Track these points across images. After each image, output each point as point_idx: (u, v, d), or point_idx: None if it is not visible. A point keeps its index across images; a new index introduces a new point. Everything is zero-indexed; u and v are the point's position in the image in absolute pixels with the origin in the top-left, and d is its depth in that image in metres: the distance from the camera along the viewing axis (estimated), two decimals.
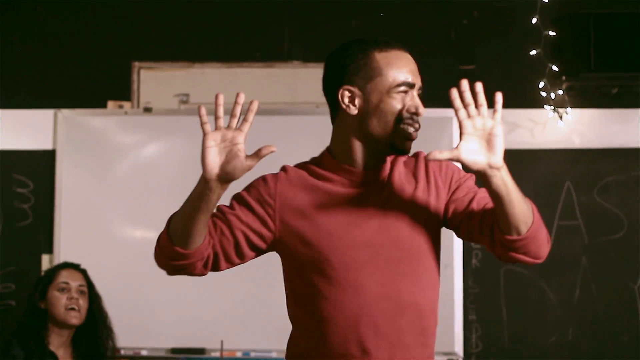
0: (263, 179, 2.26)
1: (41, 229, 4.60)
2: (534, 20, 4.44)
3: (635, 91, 4.60)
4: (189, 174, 4.47)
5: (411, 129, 2.18)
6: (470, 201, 2.20)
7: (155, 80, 4.71)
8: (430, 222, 2.22)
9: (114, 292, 4.29)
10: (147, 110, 4.63)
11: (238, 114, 2.07)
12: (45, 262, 4.53)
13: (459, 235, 2.25)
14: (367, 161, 2.23)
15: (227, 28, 4.73)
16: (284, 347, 2.30)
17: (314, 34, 4.70)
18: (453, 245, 4.47)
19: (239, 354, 4.43)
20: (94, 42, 4.73)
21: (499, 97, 2.02)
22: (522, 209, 2.05)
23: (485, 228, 2.15)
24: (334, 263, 2.17)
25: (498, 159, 2.01)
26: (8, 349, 3.70)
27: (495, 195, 2.04)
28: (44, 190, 4.62)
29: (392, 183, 2.23)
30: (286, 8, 4.69)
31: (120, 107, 4.67)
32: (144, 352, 4.43)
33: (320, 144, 2.43)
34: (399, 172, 2.25)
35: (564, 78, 4.51)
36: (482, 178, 2.04)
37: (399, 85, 2.18)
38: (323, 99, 2.28)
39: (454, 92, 2.01)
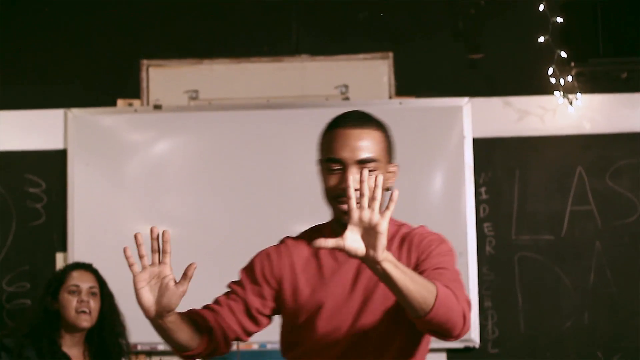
0: (266, 253, 2.35)
1: (54, 227, 4.61)
2: (542, 7, 4.44)
3: None
4: (200, 169, 4.58)
5: (344, 206, 2.13)
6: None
7: (164, 78, 4.71)
8: None
9: (129, 288, 4.28)
10: (157, 107, 4.63)
11: (157, 248, 2.12)
12: (60, 261, 4.53)
13: None
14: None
15: (234, 23, 4.73)
16: None
17: (322, 27, 4.71)
18: (466, 232, 4.48)
19: (255, 347, 4.44)
20: (102, 41, 4.74)
21: (395, 195, 1.95)
22: (414, 295, 1.96)
23: None
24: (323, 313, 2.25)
25: (377, 254, 1.91)
26: (21, 351, 3.66)
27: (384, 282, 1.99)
28: (56, 189, 4.63)
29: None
30: (293, 1, 4.70)
31: (130, 105, 4.67)
32: (160, 347, 4.42)
33: None
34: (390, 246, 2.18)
35: (572, 64, 4.51)
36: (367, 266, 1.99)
37: (325, 161, 2.23)
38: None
39: (351, 179, 1.97)
